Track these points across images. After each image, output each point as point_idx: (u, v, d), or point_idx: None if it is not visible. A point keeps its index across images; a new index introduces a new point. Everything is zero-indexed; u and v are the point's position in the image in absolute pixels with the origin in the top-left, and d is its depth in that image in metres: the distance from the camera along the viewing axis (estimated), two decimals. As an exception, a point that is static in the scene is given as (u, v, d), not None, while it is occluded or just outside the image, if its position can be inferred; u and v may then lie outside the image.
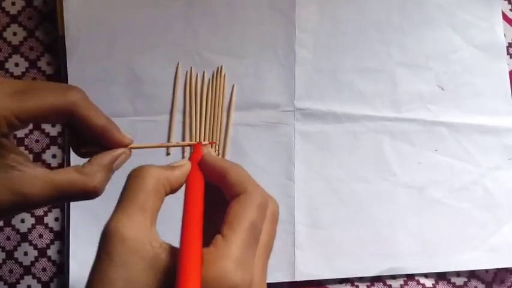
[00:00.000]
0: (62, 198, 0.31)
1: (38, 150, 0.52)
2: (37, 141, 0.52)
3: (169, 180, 0.27)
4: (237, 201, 0.26)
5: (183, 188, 0.29)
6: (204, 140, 0.52)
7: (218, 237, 0.24)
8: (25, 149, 0.52)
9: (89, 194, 0.31)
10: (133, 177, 0.26)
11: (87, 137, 0.32)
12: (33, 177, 0.30)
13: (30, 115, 0.29)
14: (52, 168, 0.51)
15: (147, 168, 0.27)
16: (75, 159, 0.45)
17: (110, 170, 0.32)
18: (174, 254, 0.24)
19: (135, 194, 0.25)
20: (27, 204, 0.30)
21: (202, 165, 0.30)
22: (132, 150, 0.34)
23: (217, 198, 0.28)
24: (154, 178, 0.26)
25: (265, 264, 0.27)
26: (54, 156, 0.52)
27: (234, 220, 0.25)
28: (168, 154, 0.51)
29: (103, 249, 0.24)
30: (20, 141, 0.52)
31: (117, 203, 0.25)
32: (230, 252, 0.23)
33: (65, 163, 0.52)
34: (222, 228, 0.25)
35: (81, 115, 0.31)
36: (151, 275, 0.24)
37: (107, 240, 0.24)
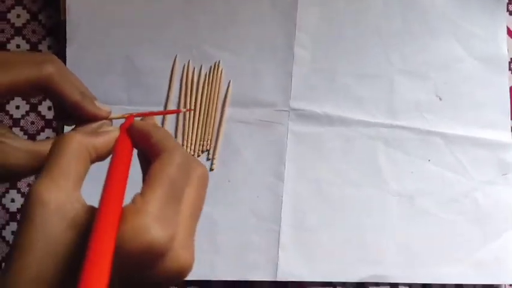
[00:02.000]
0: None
1: (32, 132, 0.53)
2: (32, 123, 0.53)
3: (94, 146, 0.27)
4: (156, 160, 0.26)
5: None
6: (200, 139, 0.52)
7: (136, 195, 0.24)
8: (20, 130, 0.53)
9: None
10: (57, 144, 0.26)
11: (67, 109, 0.33)
12: (15, 148, 0.31)
13: (6, 89, 0.30)
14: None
15: (70, 134, 0.26)
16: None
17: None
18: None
19: (57, 159, 0.25)
20: (10, 173, 0.31)
21: (130, 132, 0.29)
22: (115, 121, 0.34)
23: None
24: (77, 143, 0.26)
25: (191, 226, 0.26)
26: (48, 138, 0.53)
27: (151, 178, 0.25)
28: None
29: (24, 212, 0.24)
30: (16, 122, 0.53)
31: (42, 169, 0.25)
32: (147, 208, 0.23)
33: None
34: (142, 187, 0.25)
35: (56, 89, 0.31)
36: (72, 234, 0.23)
37: (28, 204, 0.24)
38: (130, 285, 0.24)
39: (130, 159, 0.28)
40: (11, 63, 0.30)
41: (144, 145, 0.28)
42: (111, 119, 0.34)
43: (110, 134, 0.29)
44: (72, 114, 0.33)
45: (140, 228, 0.22)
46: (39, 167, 0.31)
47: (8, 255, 0.24)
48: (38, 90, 0.31)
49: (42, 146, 0.31)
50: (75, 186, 0.25)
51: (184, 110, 0.34)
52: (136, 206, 0.23)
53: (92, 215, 0.24)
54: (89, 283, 0.20)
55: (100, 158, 0.28)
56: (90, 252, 0.21)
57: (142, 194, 0.24)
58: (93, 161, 0.28)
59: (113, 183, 0.24)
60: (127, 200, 0.25)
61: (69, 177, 0.25)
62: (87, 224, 0.24)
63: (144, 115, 0.34)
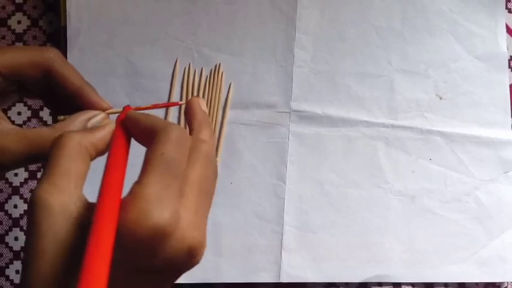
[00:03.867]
0: (35, 155, 0.31)
1: (19, 123, 0.53)
2: (19, 113, 0.53)
3: (92, 143, 0.27)
4: (149, 145, 0.25)
5: None
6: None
7: (133, 184, 0.24)
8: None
9: None
10: (55, 145, 0.26)
11: (65, 101, 0.32)
12: (7, 132, 0.31)
13: (7, 67, 0.30)
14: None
15: (67, 134, 0.26)
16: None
17: (83, 127, 0.31)
18: None
19: (56, 160, 0.25)
20: (2, 157, 0.30)
21: (125, 123, 0.29)
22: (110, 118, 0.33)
23: None
24: (75, 142, 0.26)
25: (199, 204, 0.26)
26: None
27: (146, 162, 0.24)
28: None
29: (30, 219, 0.24)
30: (3, 112, 0.53)
31: (42, 172, 0.25)
32: (144, 193, 0.23)
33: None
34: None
35: (58, 72, 0.31)
36: (78, 234, 0.23)
37: (32, 210, 0.24)
38: (141, 274, 0.24)
39: (126, 152, 0.27)
40: (15, 48, 0.32)
41: (138, 134, 0.28)
42: (110, 113, 0.34)
43: (106, 128, 0.29)
44: (70, 101, 0.33)
45: (139, 215, 0.22)
46: (28, 152, 0.30)
47: (22, 261, 0.24)
48: (39, 70, 0.31)
49: (32, 130, 0.31)
50: (76, 186, 0.25)
51: (180, 102, 0.33)
52: (133, 193, 0.23)
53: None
54: (89, 277, 0.20)
55: (100, 153, 0.28)
56: (89, 247, 0.21)
57: (138, 180, 0.24)
58: (93, 158, 0.28)
59: (109, 178, 0.24)
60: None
61: (70, 178, 0.25)
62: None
63: (141, 109, 0.33)
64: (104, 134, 0.28)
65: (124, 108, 0.31)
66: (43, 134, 0.31)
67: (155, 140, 0.25)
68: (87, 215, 0.24)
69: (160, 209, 0.23)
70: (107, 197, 0.23)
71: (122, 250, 0.22)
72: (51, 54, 0.32)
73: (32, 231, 0.24)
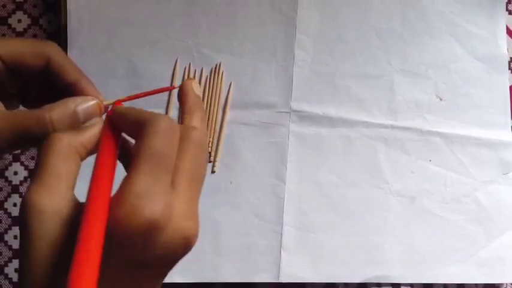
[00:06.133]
0: (23, 134, 0.29)
1: None
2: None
3: (81, 143, 0.27)
4: (137, 138, 0.25)
5: None
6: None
7: (123, 180, 0.23)
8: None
9: (45, 126, 0.29)
10: (44, 147, 0.26)
11: (64, 86, 0.32)
12: None
13: (10, 56, 0.30)
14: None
15: (55, 135, 0.26)
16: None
17: (72, 110, 0.30)
18: None
19: (46, 162, 0.25)
20: None
21: (113, 119, 0.28)
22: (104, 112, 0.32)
23: None
24: (64, 143, 0.26)
25: (191, 195, 0.25)
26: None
27: (134, 156, 0.24)
28: None
29: (22, 223, 0.24)
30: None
31: (32, 174, 0.25)
32: (133, 189, 0.22)
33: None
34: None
35: (57, 62, 0.31)
36: (70, 234, 0.23)
37: (24, 214, 0.24)
38: (134, 268, 0.24)
39: (115, 149, 0.27)
40: (17, 38, 0.34)
41: (127, 129, 0.28)
42: (105, 104, 0.32)
43: (95, 127, 0.28)
44: (66, 93, 0.32)
45: (129, 211, 0.22)
46: (16, 133, 0.29)
47: (19, 267, 0.24)
48: (39, 59, 0.31)
49: (19, 112, 0.30)
50: (67, 187, 0.25)
51: (177, 87, 0.32)
52: (122, 189, 0.23)
53: None
54: (79, 275, 0.20)
55: (90, 153, 0.28)
56: (78, 244, 0.21)
57: (127, 175, 0.23)
58: (83, 158, 0.27)
59: (98, 176, 0.24)
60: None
61: (60, 179, 0.25)
62: None
63: (131, 98, 0.32)
64: (93, 134, 0.28)
65: (114, 103, 0.30)
66: (30, 113, 0.30)
67: (142, 133, 0.25)
68: (79, 215, 0.24)
69: (151, 204, 0.22)
70: (96, 194, 0.23)
71: (113, 246, 0.22)
72: (51, 48, 0.32)
73: (24, 234, 0.23)
